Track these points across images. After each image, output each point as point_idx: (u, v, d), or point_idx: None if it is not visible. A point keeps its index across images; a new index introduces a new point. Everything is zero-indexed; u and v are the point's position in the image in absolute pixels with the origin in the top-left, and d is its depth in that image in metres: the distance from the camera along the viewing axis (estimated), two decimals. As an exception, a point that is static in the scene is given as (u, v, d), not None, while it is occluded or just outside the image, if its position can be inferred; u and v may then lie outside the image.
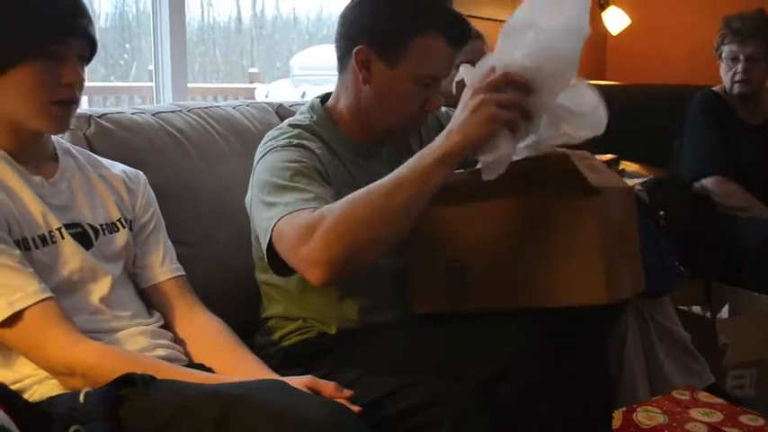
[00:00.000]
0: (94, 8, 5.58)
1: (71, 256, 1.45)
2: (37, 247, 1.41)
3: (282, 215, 1.49)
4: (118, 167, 1.66)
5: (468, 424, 1.36)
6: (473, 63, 2.55)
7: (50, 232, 1.44)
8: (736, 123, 3.09)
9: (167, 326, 1.57)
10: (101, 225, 1.54)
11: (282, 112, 2.24)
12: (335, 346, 1.65)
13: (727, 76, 3.06)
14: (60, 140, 1.59)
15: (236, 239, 1.87)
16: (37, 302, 1.33)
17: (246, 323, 1.70)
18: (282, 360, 1.64)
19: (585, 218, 1.46)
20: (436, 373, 1.45)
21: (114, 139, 1.84)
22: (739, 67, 3.01)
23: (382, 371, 1.48)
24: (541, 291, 1.52)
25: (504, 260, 1.53)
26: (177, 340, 1.55)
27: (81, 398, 1.24)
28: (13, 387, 1.35)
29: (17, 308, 1.31)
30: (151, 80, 2.82)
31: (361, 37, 1.66)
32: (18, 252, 1.36)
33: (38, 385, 1.36)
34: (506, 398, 1.45)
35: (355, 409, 1.26)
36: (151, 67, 2.85)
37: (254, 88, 5.56)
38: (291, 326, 1.72)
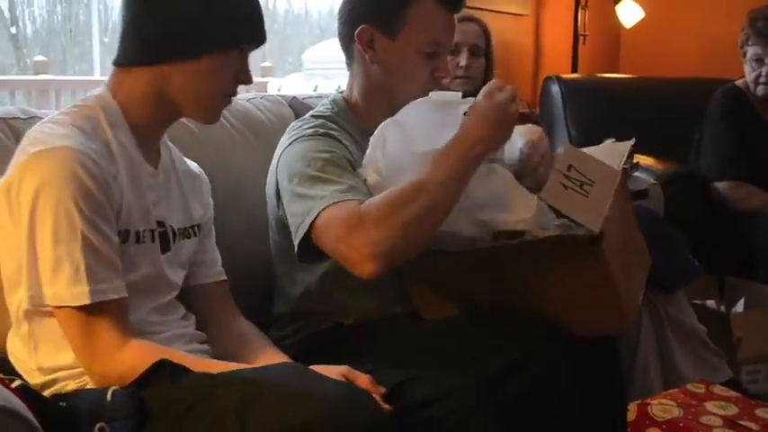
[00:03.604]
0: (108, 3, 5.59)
1: (152, 259, 1.43)
2: (136, 241, 1.39)
3: (322, 208, 1.51)
4: (194, 165, 1.64)
5: (475, 418, 1.36)
6: (462, 44, 2.56)
7: (144, 231, 1.42)
8: (758, 122, 3.06)
9: (202, 326, 1.55)
10: (179, 229, 1.51)
11: (296, 104, 2.24)
12: (350, 337, 1.66)
13: (750, 76, 3.02)
14: None
15: (250, 231, 1.87)
16: (115, 299, 1.31)
17: (258, 315, 1.69)
18: (297, 353, 1.64)
19: (594, 264, 1.46)
20: (446, 367, 1.45)
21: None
22: (764, 70, 2.97)
23: (392, 364, 1.49)
24: (561, 323, 1.52)
25: (519, 299, 1.54)
26: (215, 343, 1.53)
27: (108, 396, 1.24)
28: (50, 376, 1.35)
29: (97, 299, 1.29)
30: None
31: (360, 18, 1.71)
32: (117, 240, 1.34)
33: (71, 380, 1.35)
34: (519, 392, 1.45)
35: (386, 407, 1.26)
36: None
37: (267, 82, 5.56)
38: (306, 319, 1.72)
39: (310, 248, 1.55)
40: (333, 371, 1.31)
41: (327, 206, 1.50)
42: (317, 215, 1.51)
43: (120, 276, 1.33)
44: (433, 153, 1.51)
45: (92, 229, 1.29)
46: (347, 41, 1.75)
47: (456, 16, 2.70)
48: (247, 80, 1.45)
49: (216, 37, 1.39)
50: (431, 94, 1.66)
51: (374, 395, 1.26)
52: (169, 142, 1.59)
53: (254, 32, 1.44)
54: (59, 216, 1.27)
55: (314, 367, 1.34)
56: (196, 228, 1.57)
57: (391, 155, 1.58)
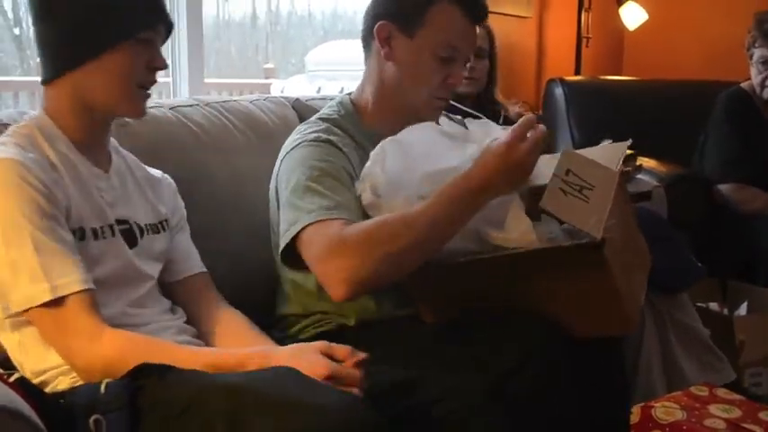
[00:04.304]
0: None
1: (119, 252, 1.47)
2: (93, 238, 1.43)
3: (307, 224, 1.53)
4: (156, 171, 1.68)
5: (479, 419, 1.36)
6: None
7: (102, 227, 1.45)
8: (763, 124, 3.05)
9: (191, 321, 1.58)
10: (146, 225, 1.55)
11: (299, 106, 2.24)
12: (353, 338, 1.65)
13: (756, 79, 3.01)
14: (112, 139, 1.61)
15: (252, 233, 1.88)
16: (78, 292, 1.33)
17: (261, 316, 1.69)
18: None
19: (596, 269, 1.46)
20: (447, 368, 1.44)
21: (132, 132, 1.83)
22: None
23: (394, 365, 1.48)
24: (563, 324, 1.52)
25: (520, 301, 1.53)
26: (202, 335, 1.56)
27: (102, 388, 1.25)
28: (42, 377, 1.37)
29: (58, 294, 1.32)
30: (167, 76, 2.82)
31: (381, 14, 1.73)
32: (71, 238, 1.37)
33: (63, 376, 1.37)
34: (522, 393, 1.45)
35: (357, 384, 1.29)
36: (168, 62, 2.85)
37: (270, 84, 5.57)
38: (309, 320, 1.73)
39: (294, 255, 1.58)
40: (310, 347, 1.33)
41: (311, 223, 1.53)
42: (302, 229, 1.54)
43: (81, 270, 1.35)
44: (432, 174, 1.52)
45: (40, 231, 1.33)
46: (367, 39, 1.77)
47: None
48: (159, 65, 1.48)
49: (106, 34, 1.42)
50: (441, 121, 1.66)
51: (354, 372, 1.30)
52: (123, 150, 1.64)
53: (146, 20, 1.45)
54: (6, 224, 1.32)
55: (291, 346, 1.36)
56: (164, 223, 1.60)
57: (390, 173, 1.58)
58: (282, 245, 1.58)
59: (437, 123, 1.82)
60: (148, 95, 1.51)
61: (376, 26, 1.72)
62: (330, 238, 1.49)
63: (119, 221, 1.49)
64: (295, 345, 1.39)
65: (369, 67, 1.80)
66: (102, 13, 1.41)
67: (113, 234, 1.47)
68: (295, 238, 1.56)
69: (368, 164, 1.61)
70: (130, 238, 1.51)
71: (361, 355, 1.32)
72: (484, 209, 1.49)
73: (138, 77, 1.46)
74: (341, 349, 1.33)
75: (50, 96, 1.48)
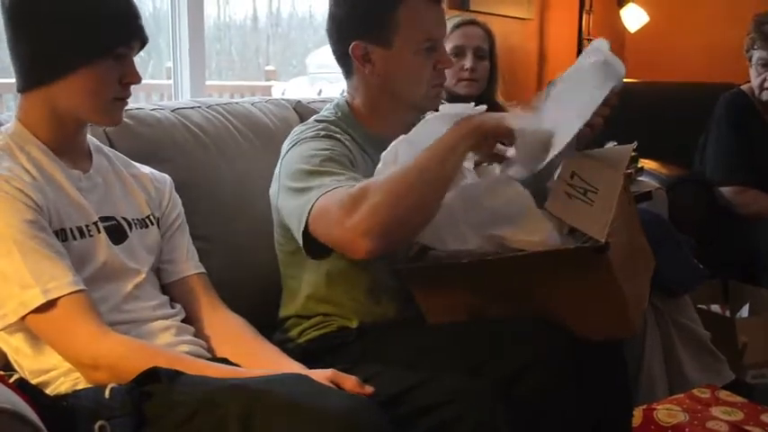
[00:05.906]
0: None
1: (105, 249, 1.47)
2: (75, 239, 1.43)
3: (319, 196, 1.50)
4: (146, 168, 1.68)
5: (487, 421, 1.35)
6: (466, 47, 2.56)
7: (87, 225, 1.46)
8: (763, 126, 3.05)
9: (190, 321, 1.58)
10: (133, 219, 1.56)
11: (301, 108, 2.24)
12: (355, 340, 1.65)
13: (756, 81, 3.01)
14: (93, 139, 1.61)
15: (255, 234, 1.88)
16: (70, 293, 1.33)
17: (264, 318, 1.70)
18: (301, 356, 1.64)
19: (600, 273, 1.46)
20: (452, 371, 1.44)
21: (134, 134, 1.84)
22: None
23: (401, 366, 1.49)
24: (567, 327, 1.51)
25: (525, 305, 1.53)
26: (199, 336, 1.56)
27: (106, 393, 1.25)
28: (42, 378, 1.37)
29: (50, 297, 1.32)
30: (168, 78, 2.82)
31: (350, 34, 1.69)
32: (57, 242, 1.38)
33: (64, 377, 1.37)
34: (525, 396, 1.45)
35: (368, 390, 1.29)
36: (168, 64, 2.85)
37: (271, 86, 5.57)
38: (310, 321, 1.72)
39: (315, 242, 1.54)
40: (319, 375, 1.32)
41: (324, 193, 1.50)
42: (315, 202, 1.50)
43: (72, 272, 1.35)
44: None
45: (26, 238, 1.33)
46: (344, 58, 1.74)
47: (460, 20, 2.72)
48: (134, 81, 1.47)
49: (82, 51, 1.42)
50: (441, 107, 1.65)
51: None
52: (107, 149, 1.64)
53: (122, 36, 1.45)
54: None
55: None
56: (152, 217, 1.61)
57: None
58: (301, 228, 1.53)
59: (437, 110, 1.82)
60: (125, 104, 1.50)
61: (350, 48, 1.69)
62: (341, 199, 1.46)
63: (104, 218, 1.50)
64: (302, 372, 1.36)
65: (354, 83, 1.77)
66: (76, 32, 1.41)
67: (99, 231, 1.47)
68: (309, 219, 1.52)
69: (380, 165, 1.60)
70: (119, 234, 1.51)
71: (369, 390, 1.31)
72: (499, 204, 1.50)
73: (112, 92, 1.46)
74: (348, 380, 1.33)
75: (23, 106, 1.48)
